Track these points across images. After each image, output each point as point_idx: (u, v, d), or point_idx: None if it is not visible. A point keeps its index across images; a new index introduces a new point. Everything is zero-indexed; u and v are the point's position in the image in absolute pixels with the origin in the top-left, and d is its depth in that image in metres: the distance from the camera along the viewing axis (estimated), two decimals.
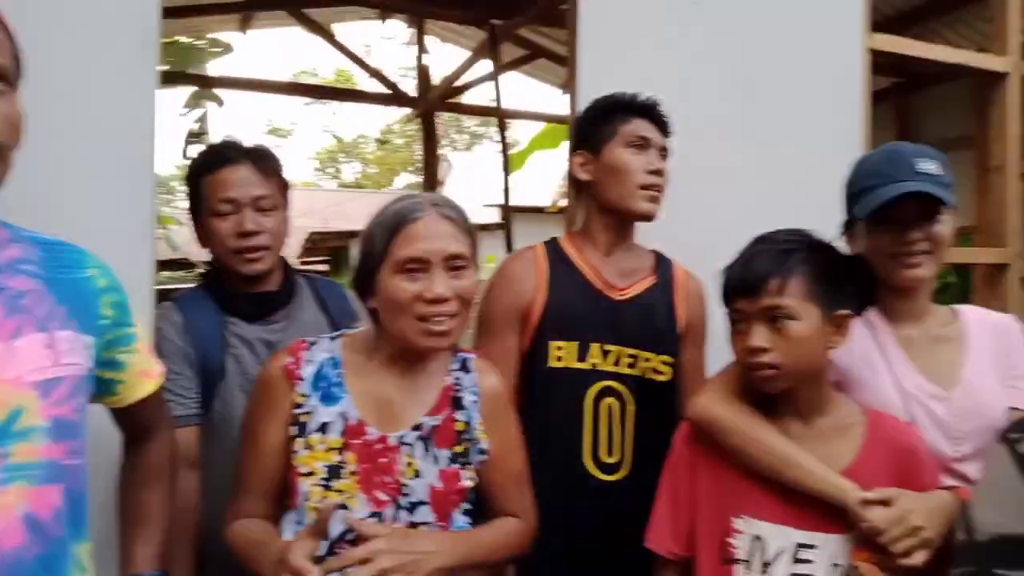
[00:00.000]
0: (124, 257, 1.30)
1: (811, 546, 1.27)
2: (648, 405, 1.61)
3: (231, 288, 1.70)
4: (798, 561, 1.27)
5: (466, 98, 7.62)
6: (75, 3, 1.57)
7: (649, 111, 1.67)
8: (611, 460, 1.58)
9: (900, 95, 5.63)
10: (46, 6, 1.52)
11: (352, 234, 10.07)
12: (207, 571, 1.61)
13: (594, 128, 1.66)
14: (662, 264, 1.72)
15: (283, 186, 1.75)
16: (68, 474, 1.07)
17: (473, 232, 1.33)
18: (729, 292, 1.33)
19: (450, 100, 6.46)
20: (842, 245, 1.47)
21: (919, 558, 1.20)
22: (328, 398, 1.30)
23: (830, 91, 2.30)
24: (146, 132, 1.62)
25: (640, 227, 1.73)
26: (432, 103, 5.93)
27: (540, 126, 6.85)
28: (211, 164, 1.68)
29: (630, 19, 2.07)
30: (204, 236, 1.70)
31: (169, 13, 5.32)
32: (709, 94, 2.13)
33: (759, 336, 1.27)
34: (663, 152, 1.66)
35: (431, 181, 5.96)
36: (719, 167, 2.10)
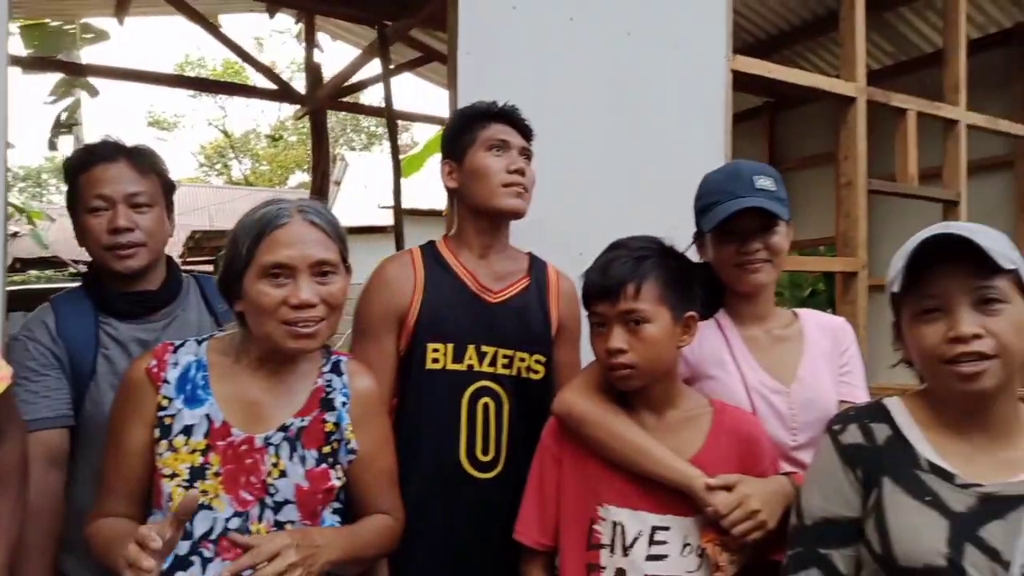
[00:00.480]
0: None
1: (665, 528, 1.37)
2: (524, 403, 1.65)
3: (108, 287, 1.66)
4: (654, 543, 1.36)
5: (363, 98, 7.54)
6: None
7: (507, 116, 1.71)
8: (486, 458, 1.62)
9: (771, 113, 5.99)
10: None
11: None
12: (76, 569, 1.58)
13: (457, 137, 1.71)
14: (536, 266, 1.77)
15: (164, 184, 1.71)
16: None
17: (342, 237, 1.35)
18: (589, 296, 1.40)
19: (342, 99, 6.38)
20: (694, 254, 1.60)
21: (755, 537, 1.31)
22: (193, 400, 1.29)
23: (697, 108, 2.45)
24: None
25: (519, 231, 1.78)
26: (322, 101, 5.84)
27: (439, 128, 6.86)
28: (87, 161, 1.64)
29: (508, 34, 2.14)
30: (80, 233, 1.65)
31: None
32: (585, 106, 2.24)
33: (617, 338, 1.35)
34: (524, 153, 1.71)
35: (321, 180, 5.86)
36: (594, 176, 2.21)
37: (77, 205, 1.64)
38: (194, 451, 1.27)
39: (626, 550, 1.37)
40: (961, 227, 1.10)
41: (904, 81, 5.04)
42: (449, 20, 2.11)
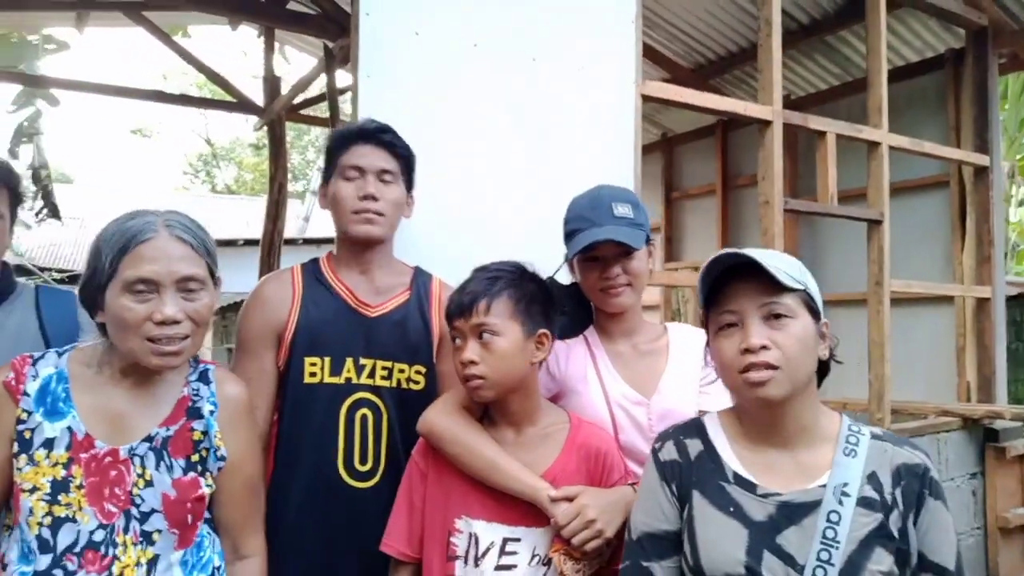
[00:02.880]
0: None
1: (516, 540, 1.44)
2: (405, 413, 1.68)
3: None
4: (505, 553, 1.43)
5: (320, 110, 7.60)
6: None
7: (368, 136, 1.73)
8: (364, 468, 1.68)
9: (723, 132, 6.11)
10: None
11: (226, 242, 9.73)
12: None
13: (327, 162, 1.77)
14: (419, 279, 1.82)
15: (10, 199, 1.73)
16: None
17: (211, 252, 1.37)
18: (449, 313, 1.49)
19: (301, 111, 6.44)
20: (565, 276, 1.67)
21: (592, 546, 1.38)
22: (54, 413, 1.31)
23: (605, 133, 2.51)
24: None
25: (419, 252, 1.86)
26: (279, 113, 5.90)
27: None
28: None
29: (409, 59, 2.19)
30: None
31: None
32: (489, 131, 2.29)
33: (470, 350, 1.43)
34: (383, 175, 1.72)
35: (279, 191, 5.92)
36: (498, 199, 2.27)
37: None
38: (56, 464, 1.29)
39: (477, 561, 1.43)
40: (752, 251, 1.19)
41: (849, 101, 5.19)
42: (351, 43, 2.17)
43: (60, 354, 1.38)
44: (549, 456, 1.49)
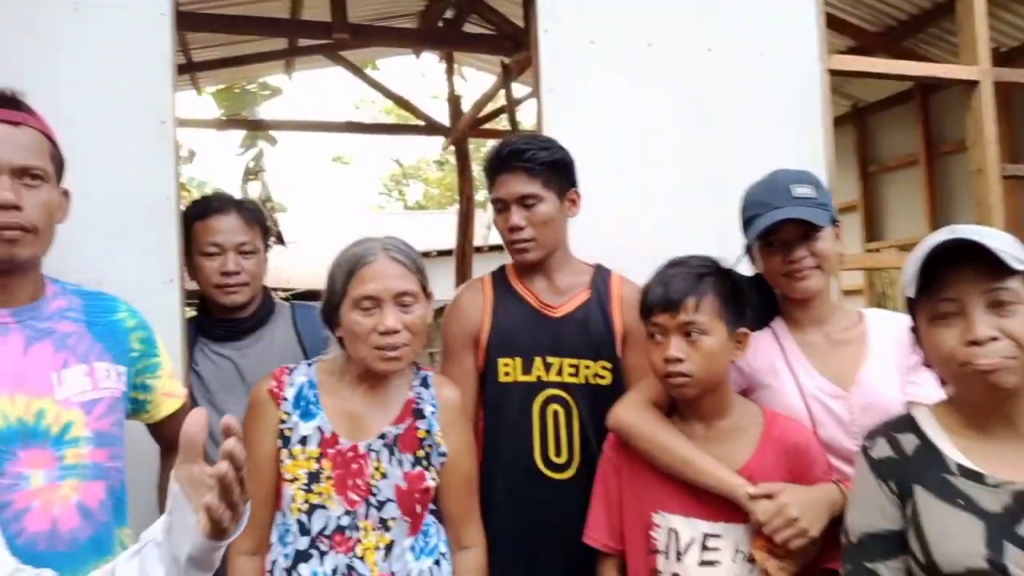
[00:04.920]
0: (153, 299, 1.71)
1: (717, 536, 1.44)
2: (594, 407, 1.75)
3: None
4: (707, 549, 1.44)
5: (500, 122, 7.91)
6: (101, 98, 1.90)
7: (503, 166, 1.79)
8: (560, 460, 1.77)
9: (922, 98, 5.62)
10: (74, 103, 1.86)
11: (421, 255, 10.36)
12: None
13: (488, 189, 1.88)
14: (598, 278, 1.87)
15: (263, 234, 2.08)
16: (109, 474, 1.44)
17: (421, 269, 1.55)
18: (650, 308, 1.49)
19: (481, 128, 6.75)
20: (745, 266, 1.65)
21: (797, 543, 1.36)
22: (306, 415, 1.53)
23: (790, 116, 2.42)
24: (167, 196, 1.93)
25: (612, 245, 1.95)
26: (462, 131, 6.23)
27: None
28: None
29: (589, 66, 2.26)
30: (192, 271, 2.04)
31: (221, 63, 5.82)
32: (667, 128, 2.31)
33: (677, 348, 1.44)
34: (524, 200, 1.76)
35: (467, 204, 6.25)
36: (679, 194, 2.29)
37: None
38: (310, 458, 1.50)
39: (679, 556, 1.45)
40: (970, 231, 1.11)
41: None
42: (533, 59, 2.28)
43: (310, 364, 1.61)
44: (743, 451, 1.48)
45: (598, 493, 1.62)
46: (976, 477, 1.13)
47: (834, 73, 2.54)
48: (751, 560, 1.42)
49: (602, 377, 1.80)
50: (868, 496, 1.23)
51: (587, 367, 1.80)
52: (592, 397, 1.78)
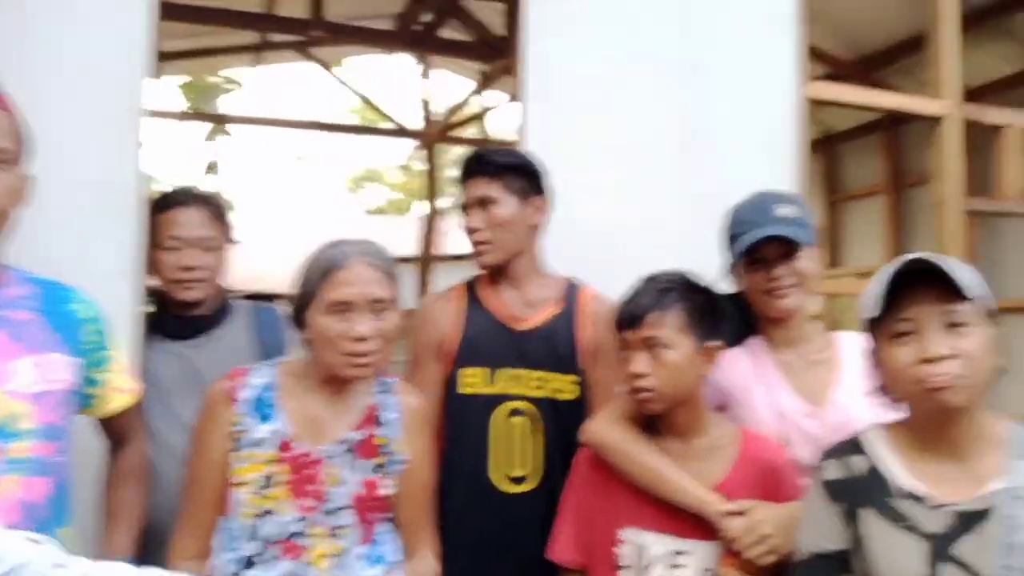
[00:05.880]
0: (110, 291, 1.64)
1: (685, 552, 1.44)
2: (556, 422, 1.75)
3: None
4: (674, 567, 1.44)
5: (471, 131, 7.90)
6: (70, 81, 1.82)
7: (469, 171, 1.83)
8: (519, 474, 1.76)
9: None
10: (44, 85, 1.78)
11: None
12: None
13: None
14: (570, 292, 1.86)
15: (223, 229, 2.00)
16: (55, 469, 1.37)
17: (396, 277, 1.52)
18: (617, 323, 1.51)
19: (452, 134, 6.73)
20: (727, 285, 1.67)
21: (767, 560, 1.36)
22: (264, 417, 1.48)
23: (768, 140, 2.45)
24: (130, 187, 1.86)
25: (584, 258, 1.94)
26: (433, 136, 6.19)
27: None
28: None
29: (573, 79, 2.26)
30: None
31: (184, 55, 5.70)
32: (650, 145, 2.31)
33: (639, 363, 1.45)
34: (483, 203, 1.79)
35: (433, 211, 6.21)
36: (659, 210, 2.29)
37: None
38: (264, 462, 1.45)
39: (645, 572, 1.45)
40: (932, 256, 1.16)
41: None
42: (517, 67, 2.26)
43: (271, 366, 1.56)
44: (719, 469, 1.48)
45: (566, 508, 1.60)
46: (919, 499, 1.18)
47: (811, 101, 2.57)
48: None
49: (567, 392, 1.79)
50: (818, 516, 1.27)
51: (552, 381, 1.78)
52: (556, 412, 1.77)
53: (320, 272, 1.46)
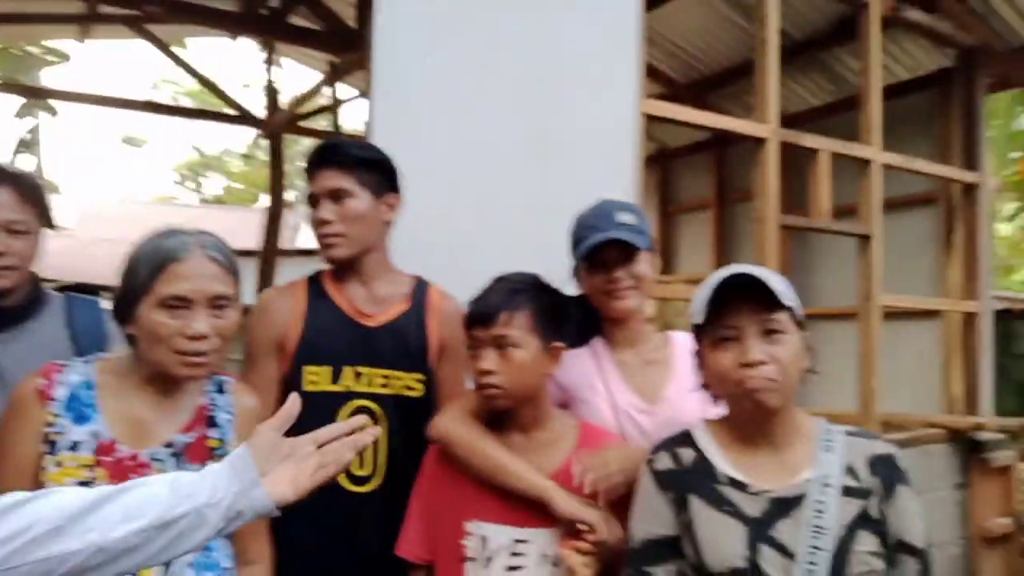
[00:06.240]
0: None
1: (525, 541, 1.49)
2: (403, 420, 1.74)
3: None
4: (514, 555, 1.49)
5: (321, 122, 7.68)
6: None
7: (318, 162, 1.77)
8: (362, 472, 1.73)
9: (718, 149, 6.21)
10: None
11: None
12: None
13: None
14: (418, 290, 1.86)
15: (39, 214, 1.83)
16: None
17: (237, 272, 1.44)
18: (467, 321, 1.54)
19: (300, 124, 6.51)
20: (573, 287, 1.74)
21: (604, 486, 1.45)
22: (80, 418, 1.37)
23: (609, 151, 2.58)
24: None
25: (443, 260, 1.93)
26: (279, 126, 5.96)
27: None
28: None
29: (424, 78, 2.26)
30: None
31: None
32: (498, 149, 2.36)
33: (488, 361, 1.49)
34: (333, 195, 1.74)
35: (277, 204, 5.97)
36: (505, 216, 2.34)
37: None
38: (81, 466, 1.34)
39: (488, 562, 1.49)
40: (752, 269, 1.27)
41: (842, 118, 5.28)
42: (367, 61, 2.24)
43: (88, 362, 1.44)
44: (558, 459, 1.54)
45: (415, 504, 1.62)
46: (740, 486, 1.29)
47: (648, 116, 2.73)
48: (555, 564, 1.47)
49: (414, 389, 1.79)
50: (649, 505, 1.36)
51: (399, 379, 1.77)
52: (402, 409, 1.76)
53: (154, 264, 1.35)
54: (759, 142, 3.15)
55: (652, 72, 5.47)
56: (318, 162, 1.77)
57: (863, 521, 1.23)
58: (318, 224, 1.75)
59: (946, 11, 4.20)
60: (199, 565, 1.41)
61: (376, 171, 1.78)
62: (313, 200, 1.77)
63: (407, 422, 1.72)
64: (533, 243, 2.18)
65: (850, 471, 1.27)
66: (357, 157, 1.76)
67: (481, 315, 1.50)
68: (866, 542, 1.21)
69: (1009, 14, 4.47)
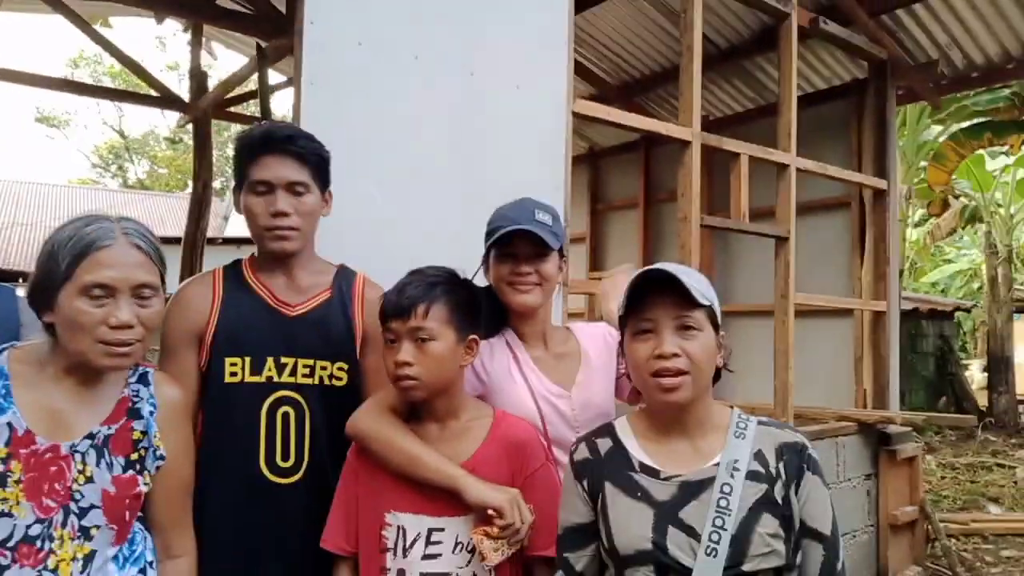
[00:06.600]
0: None
1: (440, 529, 1.53)
2: (329, 410, 1.72)
3: None
4: (430, 543, 1.52)
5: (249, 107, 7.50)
6: None
7: (274, 146, 1.69)
8: (286, 464, 1.71)
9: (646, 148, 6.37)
10: None
11: None
12: None
13: (237, 171, 1.75)
14: (342, 277, 1.84)
15: None
16: None
17: (162, 260, 1.42)
18: (385, 314, 1.56)
19: (228, 108, 6.34)
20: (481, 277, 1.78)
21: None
22: None
23: (538, 148, 2.64)
24: None
25: (366, 248, 1.92)
26: (205, 110, 5.80)
27: None
28: None
29: (354, 67, 2.26)
30: None
31: None
32: (426, 138, 2.38)
33: (406, 352, 1.51)
34: (293, 187, 1.70)
35: (203, 190, 5.82)
36: (431, 207, 2.36)
37: None
38: None
39: (406, 552, 1.52)
40: (672, 267, 1.33)
41: (762, 124, 5.50)
42: (295, 49, 2.21)
43: None
44: (470, 448, 1.58)
45: (339, 498, 1.63)
46: (652, 473, 1.35)
47: (577, 116, 2.79)
48: (471, 551, 1.51)
49: (338, 379, 1.78)
50: (568, 494, 1.43)
51: (323, 368, 1.76)
52: (327, 399, 1.75)
53: (75, 250, 1.32)
54: (683, 144, 3.26)
55: (585, 73, 5.57)
56: (269, 147, 1.70)
57: (766, 504, 1.28)
58: (274, 215, 1.68)
59: (861, 25, 4.41)
60: (122, 559, 1.40)
61: (324, 168, 1.78)
62: (265, 188, 1.70)
63: (332, 412, 1.72)
64: (456, 235, 2.22)
65: (758, 456, 1.33)
66: (315, 152, 1.74)
67: (398, 307, 1.52)
68: (767, 524, 1.28)
69: (916, 32, 4.74)
